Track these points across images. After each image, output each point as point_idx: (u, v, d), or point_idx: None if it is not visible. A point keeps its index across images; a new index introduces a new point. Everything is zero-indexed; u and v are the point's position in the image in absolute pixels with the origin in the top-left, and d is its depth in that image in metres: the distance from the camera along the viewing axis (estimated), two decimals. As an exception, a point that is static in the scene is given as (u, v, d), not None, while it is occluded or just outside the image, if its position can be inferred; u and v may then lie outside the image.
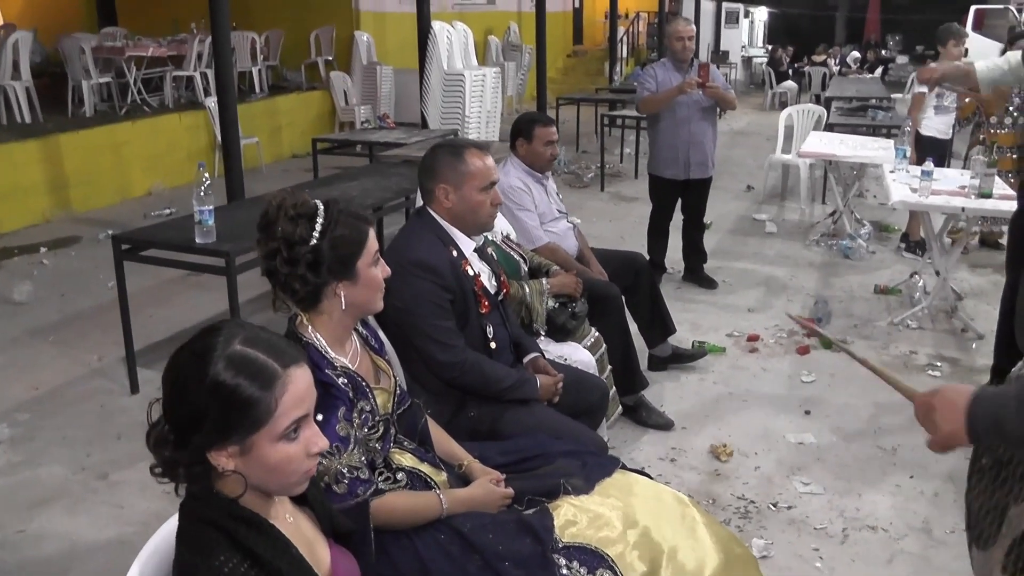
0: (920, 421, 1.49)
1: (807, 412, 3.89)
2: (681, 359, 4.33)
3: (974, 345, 4.68)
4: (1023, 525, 1.65)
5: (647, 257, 5.11)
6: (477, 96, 9.35)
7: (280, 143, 10.33)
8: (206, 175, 3.63)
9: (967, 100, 6.09)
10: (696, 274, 5.65)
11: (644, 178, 8.99)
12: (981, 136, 6.19)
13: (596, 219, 7.40)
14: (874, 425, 3.78)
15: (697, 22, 19.17)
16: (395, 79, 11.39)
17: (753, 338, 4.71)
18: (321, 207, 1.78)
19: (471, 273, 2.49)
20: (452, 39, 9.40)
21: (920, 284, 5.32)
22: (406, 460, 1.94)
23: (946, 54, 5.95)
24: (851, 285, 5.66)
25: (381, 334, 2.08)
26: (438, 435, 2.13)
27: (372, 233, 1.86)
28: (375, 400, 1.84)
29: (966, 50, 6.20)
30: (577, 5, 20.20)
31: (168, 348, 4.70)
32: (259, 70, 10.59)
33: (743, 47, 21.96)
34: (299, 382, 1.28)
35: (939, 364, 4.42)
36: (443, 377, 2.43)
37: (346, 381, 1.77)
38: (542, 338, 3.11)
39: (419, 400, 2.09)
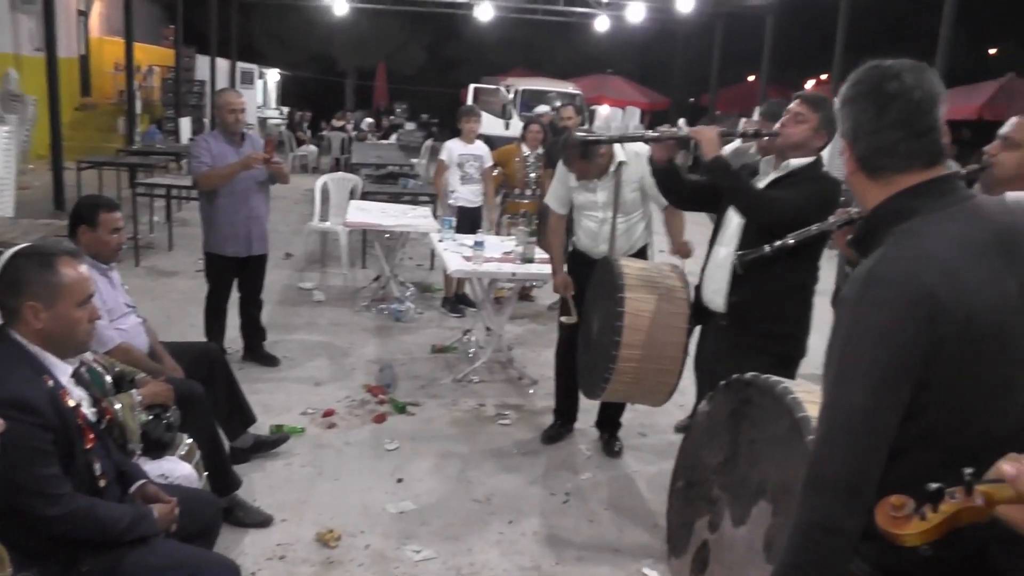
0: None
1: (399, 480, 4.02)
2: (263, 447, 4.19)
3: (531, 390, 5.29)
4: (703, 535, 2.09)
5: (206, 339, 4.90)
6: (-19, 160, 8.04)
7: None
8: None
9: (495, 173, 6.88)
10: (257, 352, 5.49)
11: (180, 249, 8.68)
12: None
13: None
14: (464, 481, 4.04)
15: (213, 82, 18.82)
16: None
17: (329, 413, 4.73)
18: None
19: (71, 404, 2.13)
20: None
21: (474, 340, 5.83)
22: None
23: (465, 128, 6.87)
24: (408, 347, 5.99)
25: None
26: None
27: None
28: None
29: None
30: (83, 52, 18.28)
31: None
32: None
33: (259, 107, 21.99)
34: None
35: (507, 412, 4.90)
36: (51, 533, 2.05)
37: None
38: (137, 457, 2.78)
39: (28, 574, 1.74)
